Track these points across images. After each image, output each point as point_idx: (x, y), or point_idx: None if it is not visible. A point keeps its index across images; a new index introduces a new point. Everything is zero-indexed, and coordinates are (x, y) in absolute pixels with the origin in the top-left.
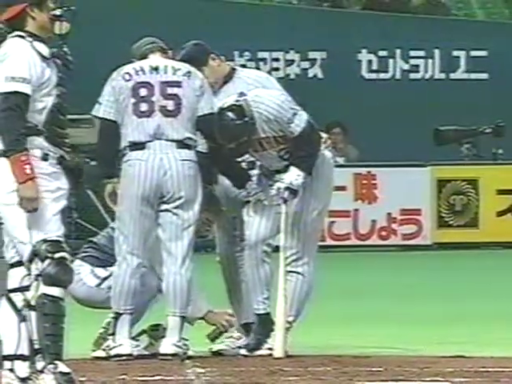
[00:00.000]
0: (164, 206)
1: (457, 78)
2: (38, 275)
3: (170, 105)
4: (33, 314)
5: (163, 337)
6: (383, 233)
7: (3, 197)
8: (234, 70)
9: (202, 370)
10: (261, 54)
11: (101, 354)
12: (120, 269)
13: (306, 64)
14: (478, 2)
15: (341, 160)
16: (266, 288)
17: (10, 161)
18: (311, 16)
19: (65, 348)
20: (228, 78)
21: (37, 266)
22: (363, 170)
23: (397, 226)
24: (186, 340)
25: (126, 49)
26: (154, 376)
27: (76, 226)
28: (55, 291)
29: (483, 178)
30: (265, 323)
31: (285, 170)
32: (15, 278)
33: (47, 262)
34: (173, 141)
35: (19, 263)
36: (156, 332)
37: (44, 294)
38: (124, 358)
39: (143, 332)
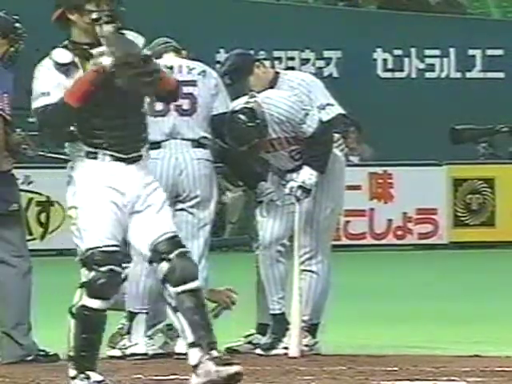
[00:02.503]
0: (180, 206)
1: (473, 76)
2: (83, 284)
3: (186, 104)
4: (72, 322)
5: (179, 336)
6: (399, 232)
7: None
8: (277, 73)
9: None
10: (276, 53)
11: (116, 353)
12: (136, 268)
13: (321, 63)
14: (493, 1)
15: (355, 159)
16: (280, 288)
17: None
18: (326, 15)
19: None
20: (272, 83)
21: (84, 274)
22: (379, 169)
23: (413, 226)
24: None
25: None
26: (169, 375)
27: None
28: (95, 303)
29: (500, 177)
30: (280, 323)
31: (297, 169)
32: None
33: (93, 273)
34: (188, 140)
35: None
36: (171, 331)
37: (84, 305)
38: (139, 357)
39: (159, 331)
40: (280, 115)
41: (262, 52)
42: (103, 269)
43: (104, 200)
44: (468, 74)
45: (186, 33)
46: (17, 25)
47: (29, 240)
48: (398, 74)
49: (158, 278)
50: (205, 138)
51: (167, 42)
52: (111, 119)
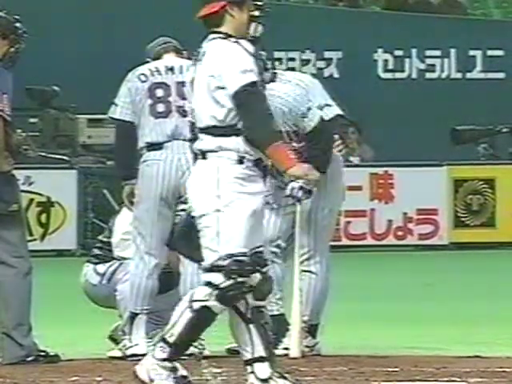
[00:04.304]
0: (182, 206)
1: (473, 77)
2: (215, 286)
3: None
4: (187, 313)
5: None
6: (399, 233)
7: (197, 200)
8: (275, 74)
9: (219, 370)
10: (277, 54)
11: (117, 353)
12: (137, 269)
13: (321, 64)
14: (494, 2)
15: (355, 160)
16: (278, 288)
17: (270, 153)
18: (327, 16)
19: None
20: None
21: (218, 277)
22: (380, 170)
23: (413, 226)
24: (202, 340)
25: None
26: None
27: (92, 226)
28: (219, 309)
29: (500, 177)
30: (279, 323)
31: None
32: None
33: (229, 282)
34: (190, 140)
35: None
36: None
37: (207, 306)
38: (140, 357)
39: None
40: (283, 106)
41: (262, 52)
42: (240, 279)
43: (248, 207)
44: (468, 75)
45: (187, 34)
46: (17, 25)
47: (29, 240)
48: (398, 75)
49: None
50: None
51: (168, 42)
52: None
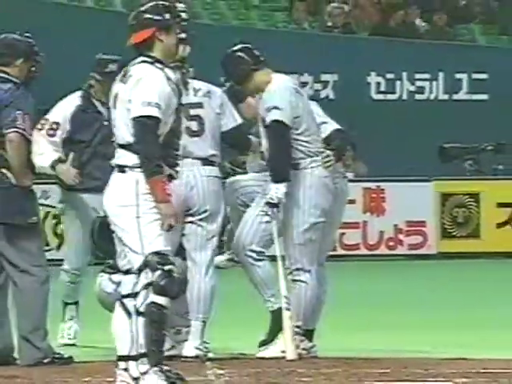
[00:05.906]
0: (189, 218)
1: (459, 98)
2: (148, 284)
3: (194, 125)
4: (140, 320)
5: (186, 340)
6: (391, 243)
7: (117, 209)
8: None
9: (222, 372)
10: None
11: None
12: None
13: (318, 86)
14: (479, 29)
15: (350, 175)
16: (267, 286)
17: (149, 183)
18: (324, 41)
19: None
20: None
21: (147, 276)
22: (372, 185)
23: (403, 237)
24: (207, 343)
25: None
26: None
27: None
28: (162, 300)
29: (484, 192)
30: (277, 318)
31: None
32: (128, 284)
33: (158, 273)
34: (198, 158)
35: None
36: (179, 335)
37: (153, 302)
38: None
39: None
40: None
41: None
42: (166, 268)
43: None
44: (455, 96)
45: (191, 61)
46: (35, 46)
47: (46, 250)
48: (390, 96)
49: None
50: (213, 155)
51: None
52: (173, 139)
